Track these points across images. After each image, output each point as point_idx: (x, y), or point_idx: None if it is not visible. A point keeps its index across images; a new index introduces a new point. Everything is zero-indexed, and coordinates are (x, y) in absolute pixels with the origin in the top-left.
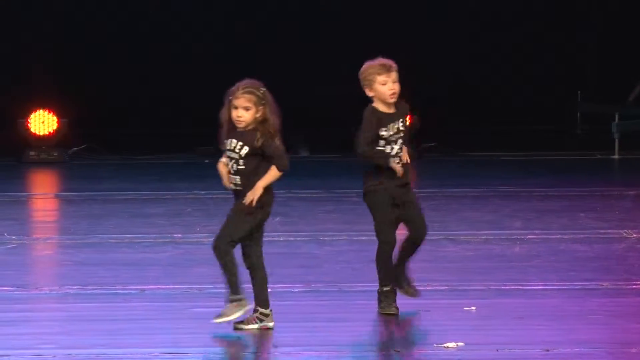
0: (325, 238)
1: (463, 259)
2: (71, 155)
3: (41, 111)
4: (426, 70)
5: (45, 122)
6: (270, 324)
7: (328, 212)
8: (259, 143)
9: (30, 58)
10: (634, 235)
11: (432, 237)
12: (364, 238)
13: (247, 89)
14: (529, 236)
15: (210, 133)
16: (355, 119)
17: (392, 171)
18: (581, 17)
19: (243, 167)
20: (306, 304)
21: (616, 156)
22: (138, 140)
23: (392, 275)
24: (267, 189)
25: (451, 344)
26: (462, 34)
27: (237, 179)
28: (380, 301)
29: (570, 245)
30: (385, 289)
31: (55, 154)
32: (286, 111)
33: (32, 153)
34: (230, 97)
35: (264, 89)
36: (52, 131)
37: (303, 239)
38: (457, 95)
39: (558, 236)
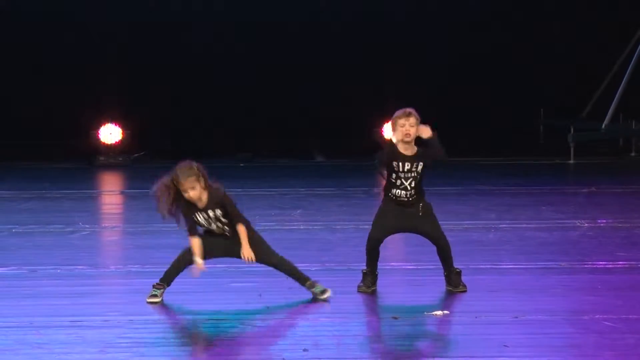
0: (337, 227)
1: None
2: (133, 160)
3: (109, 124)
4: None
5: (113, 133)
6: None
7: (340, 206)
8: (221, 203)
9: (99, 80)
10: (586, 225)
11: None
12: (368, 227)
13: (186, 173)
14: (502, 225)
15: (247, 143)
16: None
17: (396, 194)
18: (541, 47)
19: (225, 220)
20: (321, 280)
21: (572, 161)
22: (184, 148)
23: (370, 263)
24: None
25: (438, 312)
26: (446, 56)
27: (227, 229)
28: (362, 279)
29: (534, 233)
30: (364, 270)
31: (120, 159)
32: (306, 123)
33: (101, 158)
34: (176, 186)
35: (196, 164)
36: (118, 140)
37: (319, 227)
38: (442, 110)
39: (525, 225)
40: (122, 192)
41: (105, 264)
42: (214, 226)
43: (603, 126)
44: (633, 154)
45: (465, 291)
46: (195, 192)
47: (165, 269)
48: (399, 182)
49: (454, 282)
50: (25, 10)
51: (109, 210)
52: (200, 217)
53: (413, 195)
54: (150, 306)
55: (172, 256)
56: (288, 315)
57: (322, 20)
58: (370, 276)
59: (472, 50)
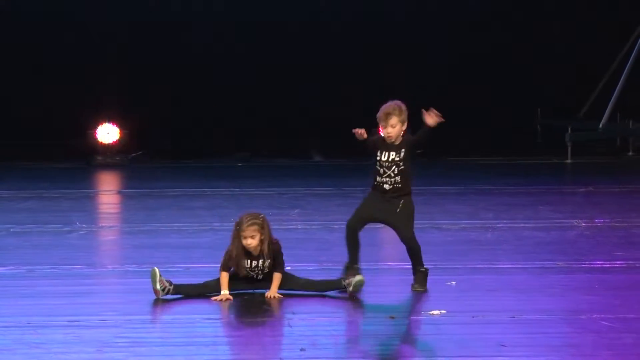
0: (335, 226)
1: (445, 243)
2: (131, 160)
3: (107, 124)
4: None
5: (110, 133)
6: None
7: (337, 206)
8: (274, 256)
9: (99, 80)
10: (583, 224)
11: (420, 226)
12: (366, 227)
13: (250, 221)
14: (499, 225)
15: (247, 143)
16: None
17: (380, 182)
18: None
19: (268, 270)
20: (324, 279)
21: (569, 161)
22: (184, 147)
23: (350, 253)
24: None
25: (436, 312)
26: (446, 57)
27: (260, 275)
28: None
29: (532, 232)
30: (346, 264)
31: (117, 158)
32: (306, 123)
33: (99, 158)
34: (238, 229)
35: (262, 216)
36: (115, 140)
37: (317, 227)
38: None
39: (522, 225)
40: (119, 192)
41: (102, 264)
42: (252, 274)
43: (600, 126)
44: (630, 154)
45: (424, 291)
46: (254, 241)
47: (167, 269)
48: (382, 170)
49: (417, 280)
50: (25, 10)
51: (107, 209)
52: (247, 263)
53: (398, 184)
54: (148, 306)
55: (170, 255)
56: (285, 315)
57: (322, 20)
58: (351, 270)
59: (472, 50)
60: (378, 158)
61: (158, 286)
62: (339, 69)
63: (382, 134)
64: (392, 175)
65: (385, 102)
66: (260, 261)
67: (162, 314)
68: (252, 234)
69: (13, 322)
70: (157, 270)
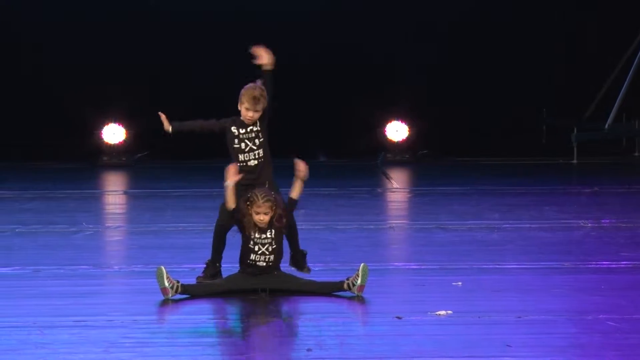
0: (339, 227)
1: (451, 244)
2: (136, 160)
3: (112, 124)
4: (425, 94)
5: (116, 133)
6: None
7: (341, 206)
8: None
9: (105, 80)
10: (589, 225)
11: (426, 226)
12: (371, 227)
13: (266, 198)
14: (505, 225)
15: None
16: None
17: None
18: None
19: (276, 246)
20: (325, 280)
21: (575, 161)
22: (189, 147)
23: (216, 251)
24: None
25: (442, 312)
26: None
27: (272, 257)
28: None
29: (537, 233)
30: (207, 261)
31: (123, 159)
32: (312, 126)
33: (104, 158)
34: (251, 205)
35: (273, 193)
36: (121, 141)
37: (321, 227)
38: (446, 111)
39: (528, 225)
40: (125, 192)
41: (108, 264)
42: (261, 247)
43: (606, 126)
44: (636, 154)
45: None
46: (267, 217)
47: (173, 269)
48: (242, 145)
49: (299, 263)
50: (27, 10)
51: (113, 210)
52: (256, 233)
53: (260, 159)
54: (154, 306)
55: (175, 255)
56: (292, 315)
57: (322, 20)
58: (212, 267)
59: (473, 49)
60: (234, 132)
61: (166, 283)
62: (339, 69)
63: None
64: (254, 148)
65: (385, 101)
66: (269, 232)
67: (169, 314)
68: (265, 211)
69: (19, 322)
70: (163, 268)
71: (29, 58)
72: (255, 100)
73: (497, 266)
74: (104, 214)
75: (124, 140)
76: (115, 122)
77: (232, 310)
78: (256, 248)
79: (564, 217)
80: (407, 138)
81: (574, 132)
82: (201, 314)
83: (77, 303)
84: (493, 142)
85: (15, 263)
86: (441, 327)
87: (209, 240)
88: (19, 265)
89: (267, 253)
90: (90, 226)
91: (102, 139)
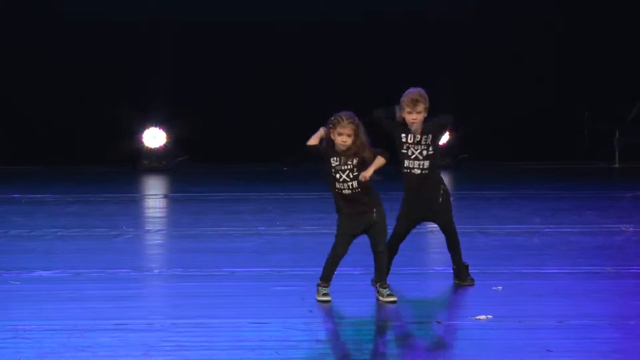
0: None
1: (492, 248)
2: (177, 164)
3: (153, 128)
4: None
5: (156, 137)
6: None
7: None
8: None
9: (147, 84)
10: (631, 229)
11: (466, 230)
12: (413, 231)
13: (350, 119)
14: (546, 229)
15: (286, 148)
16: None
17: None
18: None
19: (357, 173)
20: (365, 284)
21: (617, 165)
22: (227, 152)
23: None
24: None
25: (482, 317)
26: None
27: (354, 183)
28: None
29: (578, 237)
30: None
31: (164, 162)
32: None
33: (145, 162)
34: (335, 125)
35: (358, 120)
36: (161, 145)
37: None
38: (492, 119)
39: (569, 229)
40: (165, 196)
41: (149, 267)
42: (342, 174)
43: None
44: None
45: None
46: (349, 139)
47: (212, 273)
48: (337, 176)
49: (461, 275)
50: (69, 10)
51: (153, 213)
52: (336, 161)
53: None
54: (194, 309)
55: (215, 259)
56: (330, 320)
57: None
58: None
59: (514, 52)
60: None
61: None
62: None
63: (407, 119)
64: (347, 179)
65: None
66: (349, 160)
67: (208, 317)
68: (349, 132)
69: (60, 325)
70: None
71: (73, 59)
72: (414, 102)
73: (538, 271)
74: (144, 218)
75: (165, 144)
76: (156, 126)
77: (272, 315)
78: (337, 175)
79: (605, 222)
80: (447, 142)
81: (616, 135)
82: (241, 318)
83: (117, 306)
84: (534, 146)
85: (57, 266)
86: (482, 332)
87: (248, 244)
88: (60, 268)
89: (349, 179)
90: (131, 230)
91: (142, 142)
